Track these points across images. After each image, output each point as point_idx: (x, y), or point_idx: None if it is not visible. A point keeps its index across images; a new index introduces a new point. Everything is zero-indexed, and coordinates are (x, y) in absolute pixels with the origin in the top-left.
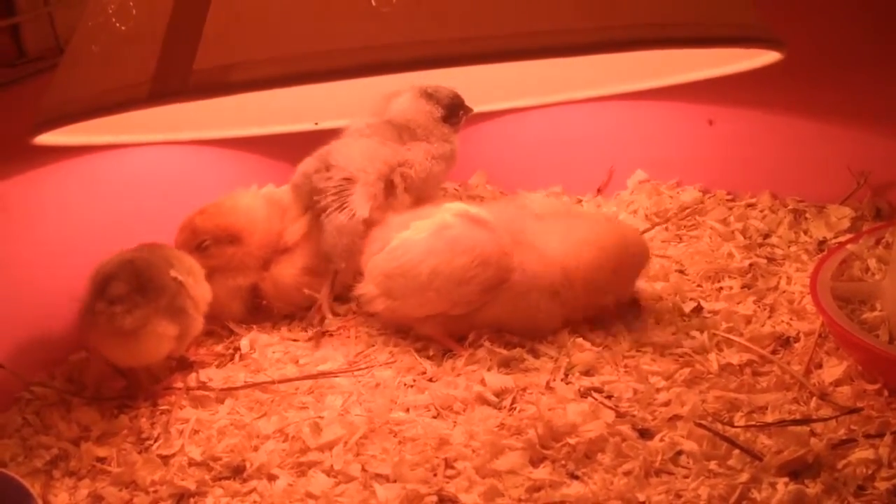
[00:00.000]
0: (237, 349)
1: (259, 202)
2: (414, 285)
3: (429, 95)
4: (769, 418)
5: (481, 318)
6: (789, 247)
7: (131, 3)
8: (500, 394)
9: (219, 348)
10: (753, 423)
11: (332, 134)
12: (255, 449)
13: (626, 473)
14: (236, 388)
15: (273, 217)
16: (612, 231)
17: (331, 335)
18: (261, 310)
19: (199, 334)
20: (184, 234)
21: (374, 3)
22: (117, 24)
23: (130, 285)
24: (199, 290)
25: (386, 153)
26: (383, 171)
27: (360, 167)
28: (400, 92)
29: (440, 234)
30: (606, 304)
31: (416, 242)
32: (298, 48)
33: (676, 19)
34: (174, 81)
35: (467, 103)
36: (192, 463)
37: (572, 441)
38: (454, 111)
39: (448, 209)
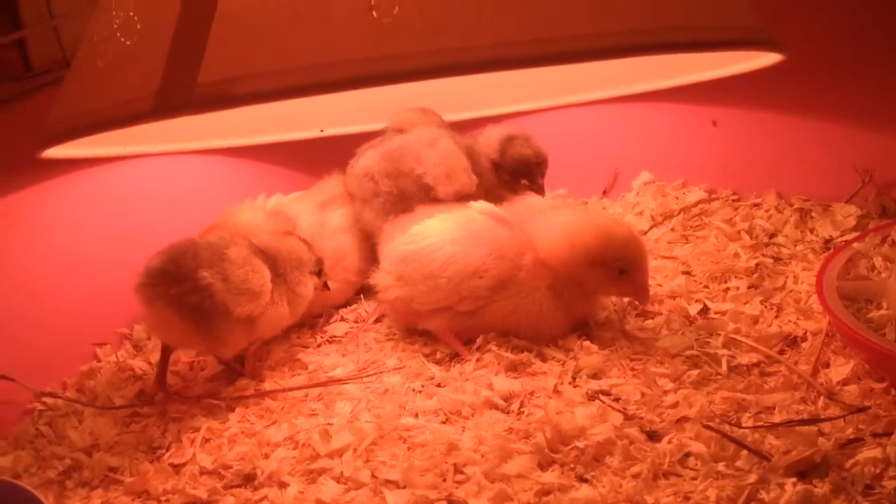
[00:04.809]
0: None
1: (260, 216)
2: (426, 271)
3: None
4: (777, 418)
5: (488, 319)
6: (795, 246)
7: (136, 18)
8: (508, 398)
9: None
10: (761, 423)
11: (338, 140)
12: (266, 457)
13: (635, 476)
14: (246, 396)
15: (277, 229)
16: (585, 225)
17: (339, 341)
18: None
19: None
20: None
21: (375, 14)
22: (122, 39)
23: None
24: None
25: None
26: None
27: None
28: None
29: (464, 227)
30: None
31: (439, 230)
32: (301, 60)
33: (678, 24)
34: (179, 95)
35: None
36: (203, 471)
37: (581, 444)
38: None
39: (474, 206)
